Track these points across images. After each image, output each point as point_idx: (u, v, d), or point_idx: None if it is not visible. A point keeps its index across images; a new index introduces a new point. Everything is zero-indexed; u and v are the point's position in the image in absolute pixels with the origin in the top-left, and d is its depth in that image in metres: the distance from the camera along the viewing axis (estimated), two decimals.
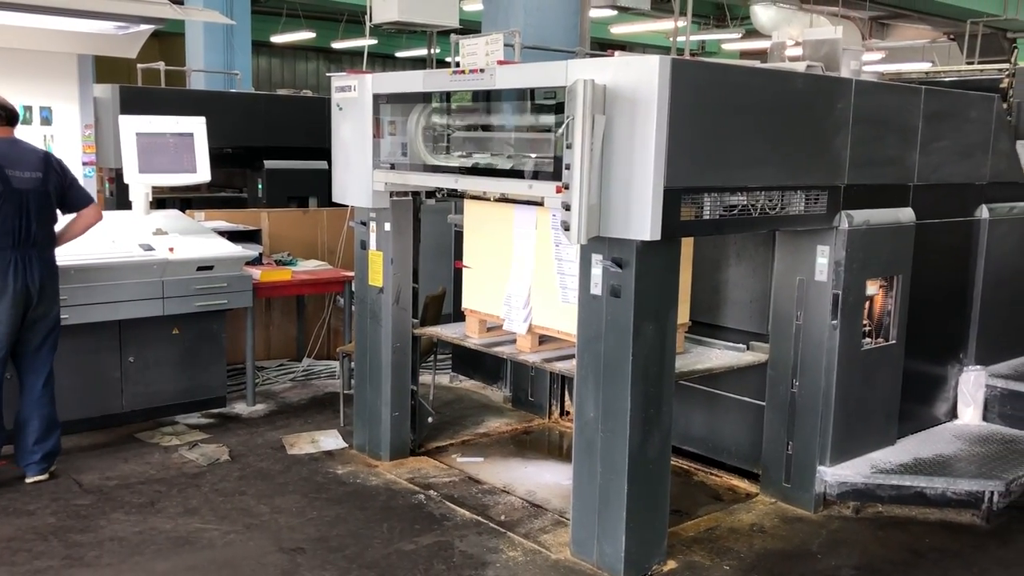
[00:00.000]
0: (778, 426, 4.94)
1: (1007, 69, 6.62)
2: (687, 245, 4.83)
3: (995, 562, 4.33)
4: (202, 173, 6.40)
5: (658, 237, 3.75)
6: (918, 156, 5.04)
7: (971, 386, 5.65)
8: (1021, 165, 6.01)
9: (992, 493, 4.68)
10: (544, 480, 5.22)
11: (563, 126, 3.61)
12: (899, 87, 5.05)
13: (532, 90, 4.16)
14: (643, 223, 3.72)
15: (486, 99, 4.61)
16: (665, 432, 4.10)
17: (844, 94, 4.48)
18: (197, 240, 6.15)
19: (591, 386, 4.09)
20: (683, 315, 4.93)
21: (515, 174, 4.36)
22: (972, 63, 13.11)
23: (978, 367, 5.70)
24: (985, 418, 5.64)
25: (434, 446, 5.71)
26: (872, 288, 4.92)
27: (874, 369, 4.95)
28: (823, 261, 4.70)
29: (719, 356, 4.96)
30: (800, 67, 4.41)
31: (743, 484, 5.16)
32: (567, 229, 3.65)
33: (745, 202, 4.18)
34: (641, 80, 3.64)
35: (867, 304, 4.90)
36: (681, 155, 3.79)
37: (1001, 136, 5.66)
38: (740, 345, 5.10)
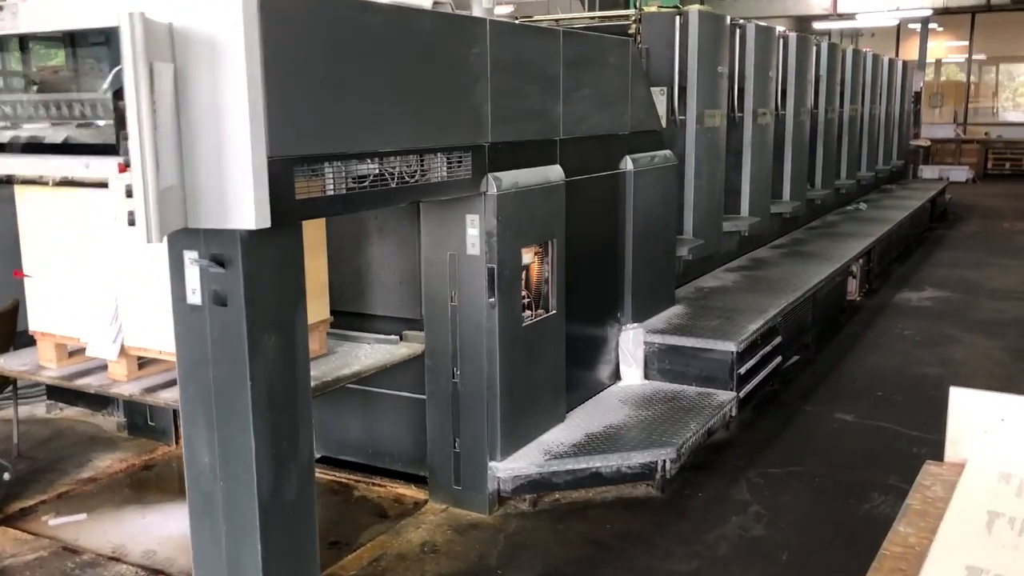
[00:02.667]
0: (442, 422, 4.33)
1: (634, 14, 6.50)
2: (316, 226, 4.00)
3: (676, 539, 4.07)
4: None
5: (268, 224, 2.87)
6: (562, 107, 4.61)
7: (631, 344, 5.46)
8: (657, 113, 5.89)
9: (665, 462, 4.45)
10: (169, 532, 4.17)
11: (107, 80, 2.57)
12: (537, 29, 4.56)
13: (77, 34, 3.04)
14: (245, 207, 2.82)
15: (25, 48, 3.39)
16: (305, 465, 3.26)
17: (479, 36, 3.86)
18: None
19: (202, 424, 3.13)
20: (322, 310, 4.14)
21: (69, 149, 3.21)
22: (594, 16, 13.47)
23: (635, 325, 5.52)
24: (647, 376, 5.49)
25: (18, 508, 4.38)
26: (528, 256, 4.43)
27: (537, 345, 4.50)
28: (474, 232, 4.10)
29: (369, 354, 4.22)
30: (426, 3, 3.71)
31: (411, 492, 4.50)
32: (133, 223, 2.63)
33: (379, 170, 3.42)
34: (219, 16, 2.70)
35: (524, 275, 4.41)
36: (288, 115, 2.94)
37: (638, 83, 5.45)
38: (393, 336, 4.40)
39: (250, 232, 2.88)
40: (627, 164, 5.38)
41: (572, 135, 4.71)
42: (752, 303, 6.20)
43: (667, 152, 5.89)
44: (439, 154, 3.74)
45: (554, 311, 4.61)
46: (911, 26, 22.97)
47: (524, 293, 4.42)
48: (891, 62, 14.05)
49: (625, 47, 5.25)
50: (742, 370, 5.39)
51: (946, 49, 25.23)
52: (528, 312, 4.46)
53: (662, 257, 5.94)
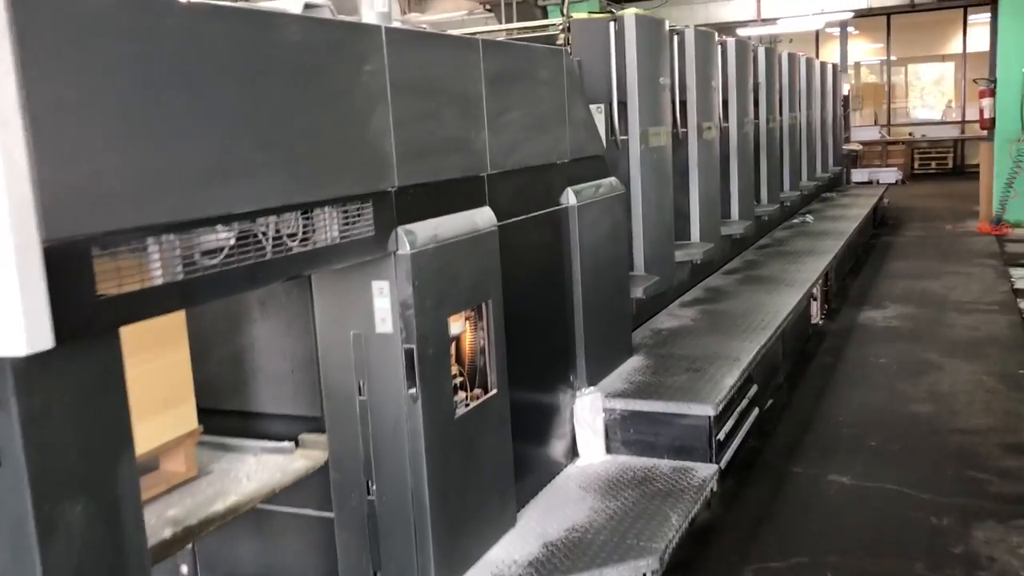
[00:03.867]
0: (357, 551, 3.32)
1: (561, 22, 5.64)
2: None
3: None
4: None
5: (49, 343, 1.86)
6: (487, 135, 3.69)
7: (588, 413, 4.54)
8: (599, 134, 5.01)
9: (646, 575, 3.52)
10: None
11: None
12: (449, 38, 3.61)
13: None
14: (7, 323, 1.81)
15: None
16: None
17: (373, 49, 2.91)
18: None
19: None
20: (186, 420, 3.11)
21: None
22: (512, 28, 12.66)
23: (592, 388, 4.61)
24: (609, 449, 4.57)
25: None
26: (457, 325, 3.48)
27: (477, 438, 3.53)
28: (383, 304, 3.13)
29: (254, 472, 3.20)
30: (296, 7, 2.73)
31: None
32: None
33: (240, 239, 2.43)
34: None
35: (454, 348, 3.46)
36: (77, 170, 1.94)
37: (576, 100, 4.56)
38: (286, 443, 3.39)
39: (28, 359, 1.87)
40: (569, 198, 4.48)
41: (501, 168, 3.79)
42: (720, 348, 5.34)
43: (612, 179, 5.01)
44: (328, 207, 2.77)
45: (494, 390, 3.66)
46: (828, 30, 22.80)
47: (456, 370, 3.46)
48: (823, 66, 13.55)
49: (558, 58, 4.36)
50: (721, 435, 4.52)
51: (864, 51, 25.24)
52: (462, 395, 3.50)
53: (615, 301, 5.05)
